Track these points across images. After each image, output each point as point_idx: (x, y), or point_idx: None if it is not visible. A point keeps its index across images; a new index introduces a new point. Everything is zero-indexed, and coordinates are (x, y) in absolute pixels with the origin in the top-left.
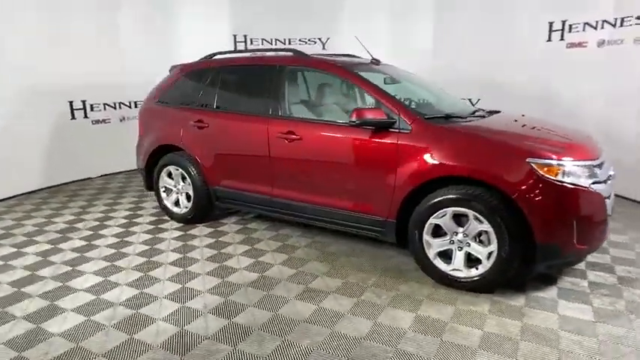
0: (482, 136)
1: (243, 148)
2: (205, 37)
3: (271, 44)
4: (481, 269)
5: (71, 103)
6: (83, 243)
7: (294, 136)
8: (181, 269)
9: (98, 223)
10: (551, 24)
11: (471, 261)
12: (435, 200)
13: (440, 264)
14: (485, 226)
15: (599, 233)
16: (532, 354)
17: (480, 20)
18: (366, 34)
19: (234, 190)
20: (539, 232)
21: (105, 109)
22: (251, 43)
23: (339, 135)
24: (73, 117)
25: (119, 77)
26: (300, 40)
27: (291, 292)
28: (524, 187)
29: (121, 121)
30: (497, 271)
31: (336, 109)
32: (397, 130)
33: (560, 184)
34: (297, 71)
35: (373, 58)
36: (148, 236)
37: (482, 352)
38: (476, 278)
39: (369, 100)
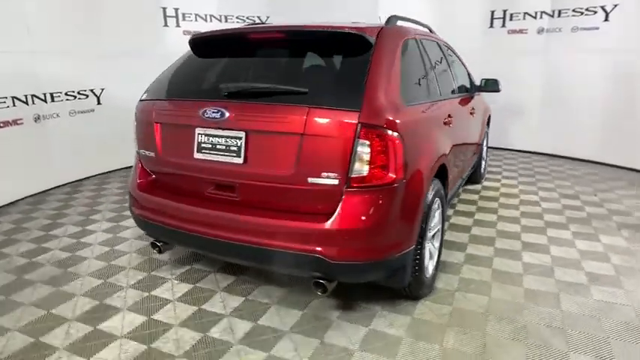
0: None
1: (464, 138)
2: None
3: (205, 21)
4: None
5: None
6: None
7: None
8: None
9: None
10: (492, 12)
11: None
12: None
13: None
14: None
15: None
16: None
17: (425, 6)
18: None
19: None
20: None
21: (14, 104)
22: (183, 18)
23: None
24: None
25: (23, 57)
26: (237, 17)
27: None
28: None
29: (35, 121)
30: None
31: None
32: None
33: None
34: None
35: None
36: None
37: None
38: None
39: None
